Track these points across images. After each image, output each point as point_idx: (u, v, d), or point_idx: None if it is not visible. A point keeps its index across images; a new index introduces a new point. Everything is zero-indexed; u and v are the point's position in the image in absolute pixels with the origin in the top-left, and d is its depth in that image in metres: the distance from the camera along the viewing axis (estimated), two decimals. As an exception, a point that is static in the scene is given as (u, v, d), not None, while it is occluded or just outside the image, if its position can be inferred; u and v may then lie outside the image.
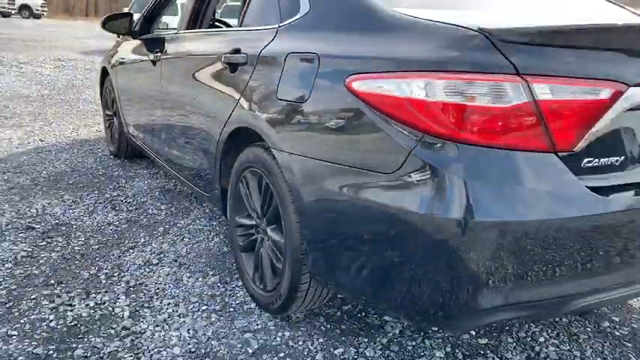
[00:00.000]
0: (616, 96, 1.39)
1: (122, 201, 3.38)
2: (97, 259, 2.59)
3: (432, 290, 1.45)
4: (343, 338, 2.00)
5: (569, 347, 1.98)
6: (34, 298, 2.20)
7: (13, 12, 29.17)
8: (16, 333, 1.97)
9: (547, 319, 2.17)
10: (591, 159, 1.42)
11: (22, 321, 2.04)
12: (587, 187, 1.39)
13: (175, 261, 2.58)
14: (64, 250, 2.66)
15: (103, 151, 4.57)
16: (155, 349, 1.90)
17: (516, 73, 1.33)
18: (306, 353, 1.91)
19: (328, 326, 2.07)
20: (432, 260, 1.42)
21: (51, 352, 1.87)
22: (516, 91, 1.33)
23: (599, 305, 1.98)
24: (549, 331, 2.08)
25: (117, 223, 3.03)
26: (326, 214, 1.69)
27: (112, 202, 3.36)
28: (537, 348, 1.97)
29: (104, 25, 3.57)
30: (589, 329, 2.11)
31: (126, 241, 2.79)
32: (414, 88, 1.41)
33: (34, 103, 6.44)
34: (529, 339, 2.03)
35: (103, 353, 1.87)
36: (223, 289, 2.33)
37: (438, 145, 1.38)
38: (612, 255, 1.45)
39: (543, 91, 1.34)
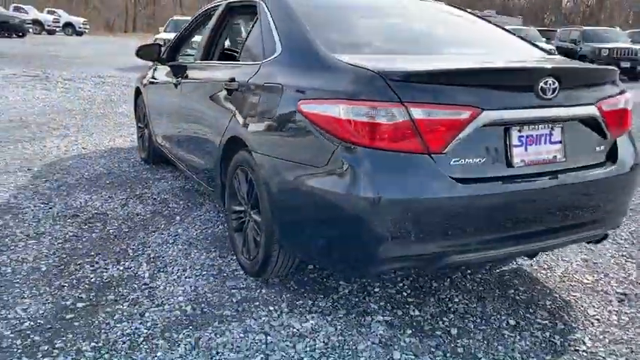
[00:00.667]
0: (473, 116, 2.05)
1: (148, 197, 4.14)
2: (127, 239, 3.33)
3: (350, 247, 2.12)
4: (305, 295, 2.67)
5: (475, 305, 2.61)
6: (79, 264, 2.95)
7: (57, 29, 31.05)
8: (66, 285, 2.70)
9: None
10: (457, 159, 2.07)
11: (70, 278, 2.78)
12: (452, 177, 2.04)
13: (187, 241, 3.30)
14: (102, 232, 3.41)
15: (135, 157, 5.36)
16: (165, 297, 2.61)
17: (399, 101, 2.00)
18: (275, 302, 2.59)
19: (296, 287, 2.75)
20: (350, 226, 2.09)
21: (91, 296, 2.60)
22: (399, 113, 2.00)
23: (466, 263, 2.49)
24: (465, 295, 2.71)
25: (143, 213, 3.78)
26: (285, 197, 2.39)
27: (140, 197, 4.12)
28: (450, 305, 2.61)
29: (138, 53, 4.36)
30: (496, 294, 2.73)
31: (150, 227, 3.52)
32: (337, 110, 2.10)
33: (77, 116, 7.33)
34: (447, 299, 2.66)
35: (128, 299, 2.59)
36: (221, 261, 3.03)
37: (351, 148, 2.06)
38: (473, 225, 2.10)
39: (418, 113, 2.01)
